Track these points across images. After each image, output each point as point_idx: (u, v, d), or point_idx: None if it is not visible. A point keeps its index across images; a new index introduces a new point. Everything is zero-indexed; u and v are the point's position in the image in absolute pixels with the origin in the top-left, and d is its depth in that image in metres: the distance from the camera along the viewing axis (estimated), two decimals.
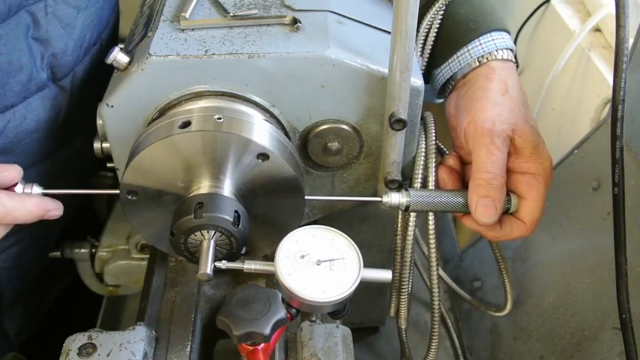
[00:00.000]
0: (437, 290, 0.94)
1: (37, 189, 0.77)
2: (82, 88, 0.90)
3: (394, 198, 0.81)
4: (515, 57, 0.91)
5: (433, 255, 0.91)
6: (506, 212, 0.83)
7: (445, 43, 0.91)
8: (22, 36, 0.80)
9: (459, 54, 0.89)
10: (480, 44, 0.88)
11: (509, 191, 0.82)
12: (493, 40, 0.88)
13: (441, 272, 1.28)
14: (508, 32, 0.91)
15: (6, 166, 0.76)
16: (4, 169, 0.75)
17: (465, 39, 0.89)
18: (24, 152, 0.86)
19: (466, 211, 0.82)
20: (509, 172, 0.83)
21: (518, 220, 0.82)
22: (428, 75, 0.96)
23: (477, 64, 0.88)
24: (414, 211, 0.83)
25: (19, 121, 0.84)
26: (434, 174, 0.86)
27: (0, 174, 0.75)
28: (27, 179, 0.78)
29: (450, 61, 0.90)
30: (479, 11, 0.91)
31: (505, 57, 0.88)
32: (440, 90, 0.95)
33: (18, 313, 1.07)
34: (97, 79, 0.81)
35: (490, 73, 0.87)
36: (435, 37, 0.92)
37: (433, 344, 1.00)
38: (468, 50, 0.89)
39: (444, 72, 0.92)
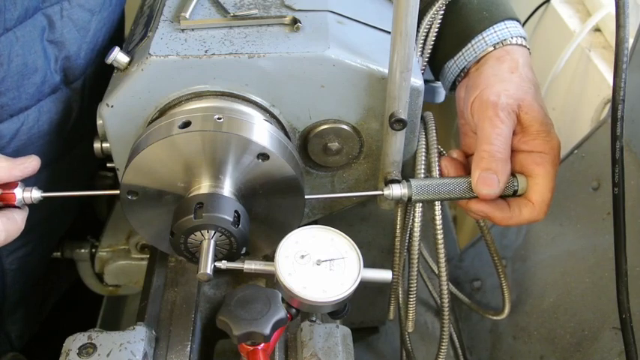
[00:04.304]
0: (447, 300, 0.92)
1: (36, 193, 0.77)
2: (93, 90, 0.90)
3: (395, 190, 0.80)
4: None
5: (443, 266, 0.89)
6: (515, 195, 0.81)
7: (458, 33, 0.91)
8: (38, 38, 0.81)
9: (473, 42, 0.89)
10: (495, 32, 0.88)
11: (516, 173, 0.81)
12: (507, 28, 0.88)
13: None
14: (519, 22, 0.91)
15: (25, 158, 0.76)
16: (24, 161, 0.76)
17: (479, 27, 0.89)
18: (35, 155, 0.87)
19: (471, 196, 0.81)
20: (516, 151, 0.82)
21: (527, 200, 0.81)
22: (437, 71, 0.96)
23: (492, 48, 0.88)
24: (417, 201, 0.82)
25: (32, 124, 0.84)
26: (437, 171, 0.85)
27: (22, 165, 0.75)
28: (37, 182, 0.78)
29: (464, 50, 0.90)
30: (492, 1, 0.91)
31: (519, 43, 0.89)
32: (452, 83, 0.94)
33: (20, 315, 1.07)
34: (107, 82, 0.82)
35: (503, 55, 0.87)
36: (444, 30, 0.92)
37: (442, 353, 0.99)
38: (483, 38, 0.88)
39: (459, 62, 0.91)
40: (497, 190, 0.78)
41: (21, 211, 0.77)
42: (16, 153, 0.84)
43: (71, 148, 0.94)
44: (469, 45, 0.89)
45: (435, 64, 0.96)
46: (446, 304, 0.92)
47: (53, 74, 0.84)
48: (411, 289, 0.92)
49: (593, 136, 1.01)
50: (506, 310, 1.06)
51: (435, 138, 0.87)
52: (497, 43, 0.88)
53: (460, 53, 0.90)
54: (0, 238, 0.74)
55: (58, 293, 1.22)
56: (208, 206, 0.72)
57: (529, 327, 1.08)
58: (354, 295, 0.70)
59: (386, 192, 0.81)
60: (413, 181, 0.81)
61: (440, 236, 0.87)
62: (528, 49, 0.90)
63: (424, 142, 0.86)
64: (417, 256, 0.90)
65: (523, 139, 0.81)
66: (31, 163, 0.76)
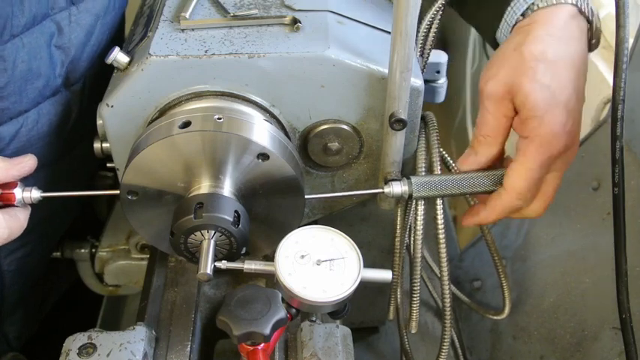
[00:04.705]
0: (448, 301, 0.91)
1: (36, 193, 0.77)
2: (92, 91, 0.90)
3: (396, 187, 0.81)
4: None
5: (444, 266, 0.88)
6: None
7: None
8: (45, 44, 0.81)
9: (512, 5, 0.82)
10: None
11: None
12: None
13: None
14: None
15: (21, 158, 0.77)
16: (20, 161, 0.76)
17: None
18: (35, 156, 0.87)
19: (472, 191, 0.82)
20: (519, 135, 0.80)
21: (500, 186, 0.80)
22: (493, 41, 0.90)
23: (521, 17, 0.81)
24: (418, 198, 0.82)
25: (31, 126, 0.84)
26: (438, 171, 0.85)
27: (19, 165, 0.76)
28: (36, 183, 0.78)
29: (505, 17, 0.83)
30: None
31: (554, 2, 0.79)
32: None
33: (19, 316, 1.07)
34: (107, 83, 0.82)
35: (525, 25, 0.80)
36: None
37: (443, 353, 0.98)
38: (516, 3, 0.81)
39: (504, 31, 0.85)
40: (472, 164, 0.82)
41: (23, 210, 0.77)
42: (15, 155, 0.83)
43: (71, 150, 0.94)
44: (507, 13, 0.83)
45: (488, 39, 0.91)
46: (447, 306, 0.91)
47: (56, 78, 0.84)
48: (415, 289, 0.92)
49: (593, 136, 1.01)
50: (507, 310, 1.06)
51: (435, 138, 0.87)
52: (527, 9, 0.80)
53: (503, 21, 0.84)
54: (4, 235, 0.74)
55: (58, 293, 1.22)
56: (208, 206, 0.72)
57: (529, 327, 1.08)
58: (354, 295, 0.70)
59: (386, 189, 0.81)
60: (413, 178, 0.81)
61: (442, 235, 0.86)
62: (574, 4, 0.79)
63: (424, 142, 0.86)
64: (419, 255, 0.89)
65: (517, 123, 0.79)
66: (27, 163, 0.76)
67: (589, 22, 0.81)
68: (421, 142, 0.86)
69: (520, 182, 0.78)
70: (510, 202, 0.80)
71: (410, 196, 0.81)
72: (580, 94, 0.79)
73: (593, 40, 0.83)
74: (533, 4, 0.80)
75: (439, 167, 0.85)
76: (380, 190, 0.82)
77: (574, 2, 0.79)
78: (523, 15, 0.81)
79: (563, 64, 0.77)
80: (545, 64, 0.76)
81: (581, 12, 0.79)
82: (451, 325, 0.94)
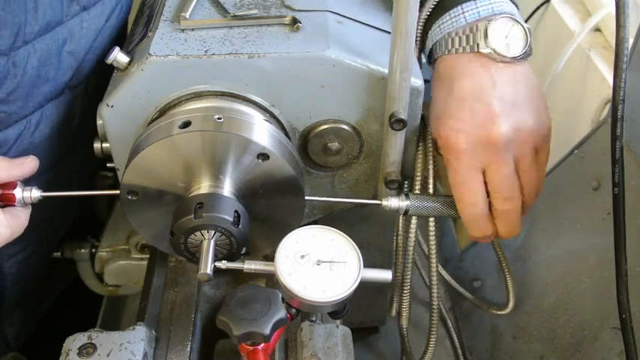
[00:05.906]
0: (435, 289, 0.94)
1: (36, 192, 0.77)
2: (95, 93, 0.90)
3: (393, 202, 0.81)
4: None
5: (433, 254, 0.91)
6: None
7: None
8: (56, 50, 0.81)
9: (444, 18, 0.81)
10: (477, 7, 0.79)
11: None
12: (451, 18, 0.81)
13: (442, 270, 1.28)
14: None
15: (24, 159, 0.77)
16: (23, 161, 0.77)
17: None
18: (38, 158, 0.87)
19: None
20: None
21: None
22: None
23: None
24: (413, 215, 0.83)
25: (33, 129, 0.84)
26: (433, 174, 0.85)
27: (21, 165, 0.76)
28: (38, 185, 0.78)
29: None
30: None
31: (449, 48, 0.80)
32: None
33: (17, 317, 1.07)
34: (108, 84, 0.82)
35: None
36: None
37: (431, 342, 0.99)
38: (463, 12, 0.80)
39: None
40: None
41: (24, 209, 0.77)
42: (19, 157, 0.84)
43: (74, 152, 0.94)
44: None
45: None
46: (434, 294, 0.93)
47: (63, 82, 0.84)
48: (405, 285, 0.94)
49: (593, 136, 1.01)
50: (510, 305, 1.06)
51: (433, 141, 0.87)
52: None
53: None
54: (6, 235, 0.74)
55: (56, 293, 1.22)
56: (208, 206, 0.72)
57: (529, 327, 1.08)
58: (354, 295, 0.70)
59: (384, 202, 0.81)
60: (411, 196, 0.81)
61: (432, 242, 0.88)
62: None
63: (424, 143, 0.86)
64: (411, 256, 0.91)
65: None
66: (30, 164, 0.77)
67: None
68: (421, 142, 0.86)
69: (451, 181, 0.78)
70: (464, 210, 0.80)
71: (406, 212, 0.81)
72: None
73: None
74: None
75: (434, 170, 0.85)
76: (378, 202, 0.82)
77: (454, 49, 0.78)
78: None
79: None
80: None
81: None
82: (438, 312, 0.97)
